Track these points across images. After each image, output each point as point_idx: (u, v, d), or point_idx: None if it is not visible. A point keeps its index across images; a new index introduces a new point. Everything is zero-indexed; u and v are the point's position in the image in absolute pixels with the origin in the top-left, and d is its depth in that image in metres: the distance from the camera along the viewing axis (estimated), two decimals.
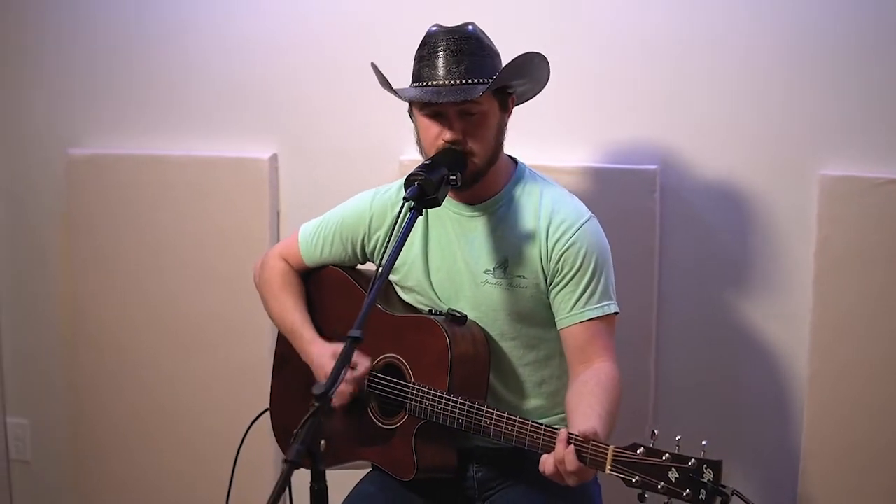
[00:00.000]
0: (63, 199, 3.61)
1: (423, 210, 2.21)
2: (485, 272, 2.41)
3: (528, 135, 2.98)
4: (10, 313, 3.81)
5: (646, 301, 2.93)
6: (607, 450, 1.99)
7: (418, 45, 2.36)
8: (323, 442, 1.81)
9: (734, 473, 2.93)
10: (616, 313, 2.38)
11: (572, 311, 2.35)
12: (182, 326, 3.49)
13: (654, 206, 2.89)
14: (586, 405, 2.19)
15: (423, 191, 2.19)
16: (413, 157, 2.72)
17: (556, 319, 2.38)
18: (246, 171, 3.34)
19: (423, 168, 2.23)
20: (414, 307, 2.52)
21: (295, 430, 1.79)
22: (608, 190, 2.92)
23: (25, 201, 3.72)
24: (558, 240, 2.36)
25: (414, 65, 2.36)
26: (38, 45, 3.58)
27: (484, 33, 2.38)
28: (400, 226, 2.18)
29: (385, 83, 2.39)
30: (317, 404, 1.80)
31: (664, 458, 1.92)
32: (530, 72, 2.38)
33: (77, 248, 3.61)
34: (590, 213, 2.42)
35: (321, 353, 2.45)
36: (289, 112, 3.31)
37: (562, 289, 2.36)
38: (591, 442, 2.01)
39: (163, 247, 3.48)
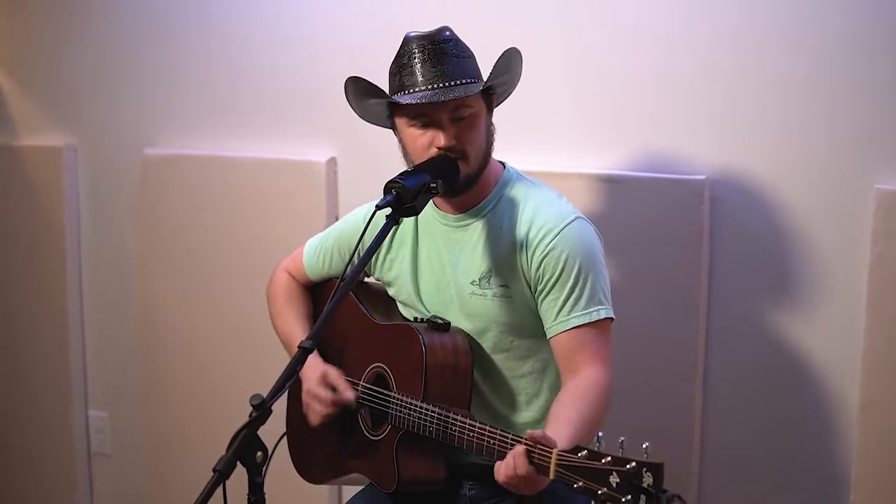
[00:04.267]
0: (139, 198, 3.69)
1: (400, 219, 2.15)
2: (471, 283, 2.33)
3: (570, 143, 2.91)
4: (92, 309, 3.92)
5: (692, 319, 2.78)
6: (551, 453, 1.88)
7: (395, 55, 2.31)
8: (259, 453, 1.78)
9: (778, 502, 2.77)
10: (609, 318, 2.25)
11: (557, 319, 2.23)
12: (244, 325, 3.52)
13: (702, 218, 2.74)
14: (558, 413, 2.10)
15: (399, 199, 2.13)
16: None
17: (544, 329, 2.27)
18: (304, 174, 3.34)
19: (403, 175, 2.17)
20: (406, 318, 2.46)
21: (231, 438, 1.76)
22: (653, 201, 2.79)
23: (106, 201, 3.83)
24: (537, 245, 2.25)
25: (391, 76, 2.30)
26: (117, 47, 3.68)
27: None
28: (371, 236, 2.14)
29: (369, 94, 2.34)
30: (253, 414, 1.77)
31: (604, 461, 1.79)
32: (513, 66, 2.31)
33: (151, 246, 3.69)
34: (576, 215, 2.29)
35: (308, 377, 2.42)
36: (349, 116, 3.28)
37: (546, 296, 2.25)
38: (538, 445, 1.91)
39: (226, 247, 3.53)
